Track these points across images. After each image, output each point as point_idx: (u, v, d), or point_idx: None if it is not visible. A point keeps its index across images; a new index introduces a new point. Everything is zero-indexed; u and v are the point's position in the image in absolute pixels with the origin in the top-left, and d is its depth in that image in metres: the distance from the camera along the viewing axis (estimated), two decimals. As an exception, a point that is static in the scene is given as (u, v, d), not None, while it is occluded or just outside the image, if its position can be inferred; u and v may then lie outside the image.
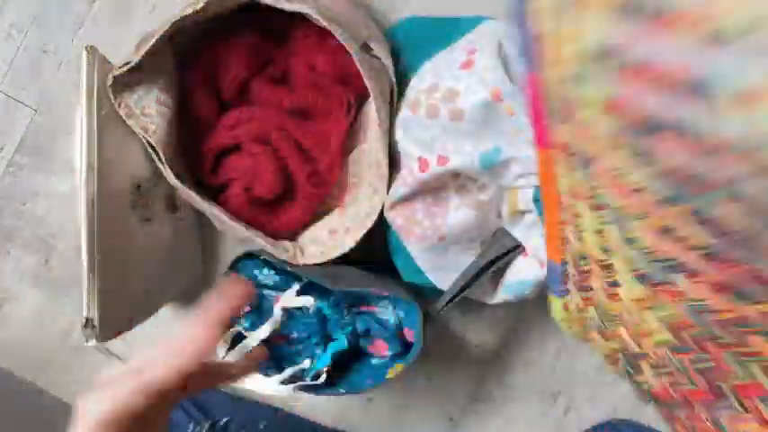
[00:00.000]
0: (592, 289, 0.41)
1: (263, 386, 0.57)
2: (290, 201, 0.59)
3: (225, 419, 0.60)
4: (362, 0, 0.65)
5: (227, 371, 0.44)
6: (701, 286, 0.30)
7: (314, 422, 0.72)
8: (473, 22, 0.55)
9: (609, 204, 0.33)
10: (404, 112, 0.52)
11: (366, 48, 0.53)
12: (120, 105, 0.52)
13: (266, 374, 0.58)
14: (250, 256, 0.57)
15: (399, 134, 0.52)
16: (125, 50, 0.66)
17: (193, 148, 0.58)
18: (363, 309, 0.60)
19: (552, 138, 0.36)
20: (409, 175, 0.51)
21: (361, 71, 0.49)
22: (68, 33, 0.66)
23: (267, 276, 0.59)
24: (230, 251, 0.69)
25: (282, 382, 0.57)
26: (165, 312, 0.71)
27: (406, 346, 0.59)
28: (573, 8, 0.27)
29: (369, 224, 0.54)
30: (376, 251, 0.61)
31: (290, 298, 0.57)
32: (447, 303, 0.55)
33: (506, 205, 0.53)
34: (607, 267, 0.38)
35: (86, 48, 0.51)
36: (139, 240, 0.56)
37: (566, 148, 0.35)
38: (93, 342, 0.52)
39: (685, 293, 0.31)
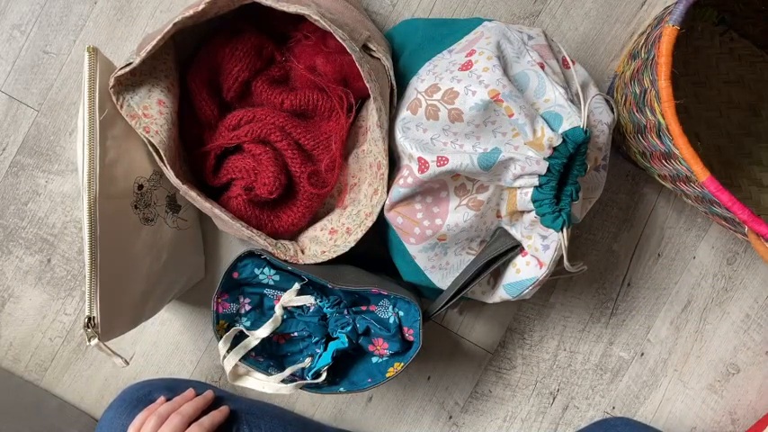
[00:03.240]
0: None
1: (264, 385, 0.58)
2: (291, 201, 0.59)
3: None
4: (362, 1, 0.65)
5: None
6: None
7: (319, 423, 0.72)
8: (472, 23, 0.55)
9: None
10: (403, 113, 0.53)
11: (366, 48, 0.54)
12: (121, 106, 0.52)
13: (267, 373, 0.58)
14: (251, 255, 0.57)
15: (399, 135, 0.52)
16: (127, 51, 0.67)
17: (195, 149, 0.58)
18: (363, 308, 0.60)
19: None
20: (409, 176, 0.51)
21: (361, 72, 0.49)
22: (70, 34, 0.67)
23: (268, 276, 0.59)
24: (231, 251, 0.70)
25: (283, 381, 0.57)
26: (167, 312, 0.71)
27: (406, 345, 0.59)
28: None
29: (369, 224, 0.55)
30: (376, 250, 0.62)
31: (291, 297, 0.58)
32: (446, 303, 0.56)
33: (505, 205, 0.53)
34: None
35: (88, 49, 0.51)
36: (141, 240, 0.56)
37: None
38: (95, 341, 0.52)
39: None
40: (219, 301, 0.58)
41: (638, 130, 0.56)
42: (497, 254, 0.53)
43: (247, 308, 0.60)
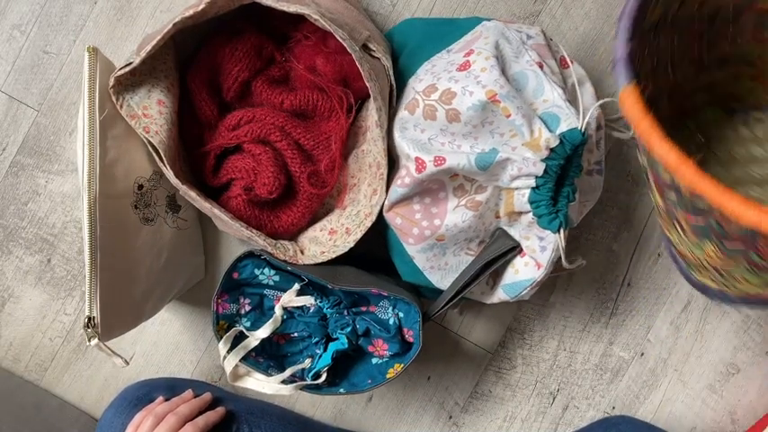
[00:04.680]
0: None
1: (264, 385, 0.58)
2: (291, 201, 0.59)
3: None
4: (362, 1, 0.65)
5: None
6: None
7: (320, 422, 0.72)
8: (471, 23, 0.55)
9: None
10: (402, 113, 0.53)
11: (366, 48, 0.54)
12: (121, 106, 0.52)
13: (267, 374, 0.58)
14: (251, 255, 0.57)
15: (397, 134, 0.52)
16: (127, 51, 0.67)
17: (195, 149, 0.58)
18: (363, 309, 0.60)
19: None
20: (406, 176, 0.51)
21: (361, 72, 0.49)
22: (70, 34, 0.67)
23: (267, 276, 0.59)
24: (231, 251, 0.70)
25: (283, 382, 0.57)
26: (167, 312, 0.71)
27: (406, 346, 0.59)
28: None
29: (368, 224, 0.55)
30: (375, 251, 0.62)
31: (291, 297, 0.58)
32: (446, 304, 0.56)
33: (503, 206, 0.53)
34: None
35: (88, 49, 0.51)
36: (141, 240, 0.56)
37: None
38: (94, 341, 0.52)
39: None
40: (219, 301, 0.58)
41: None
42: (496, 255, 0.53)
43: (247, 308, 0.60)
